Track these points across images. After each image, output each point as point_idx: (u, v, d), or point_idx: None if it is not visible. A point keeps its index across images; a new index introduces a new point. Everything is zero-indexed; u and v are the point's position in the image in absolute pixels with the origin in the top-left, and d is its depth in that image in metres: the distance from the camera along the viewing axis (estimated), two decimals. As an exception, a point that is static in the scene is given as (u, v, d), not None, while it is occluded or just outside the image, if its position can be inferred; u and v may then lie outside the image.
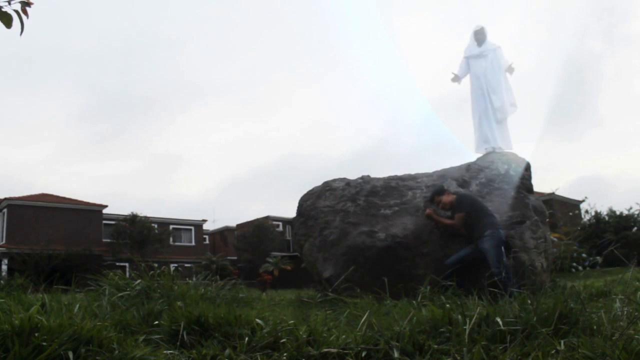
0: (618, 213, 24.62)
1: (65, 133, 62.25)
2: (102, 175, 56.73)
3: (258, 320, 3.07)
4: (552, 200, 27.76)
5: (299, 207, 6.74)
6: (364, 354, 2.54)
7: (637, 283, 5.52)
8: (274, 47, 78.25)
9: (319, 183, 6.89)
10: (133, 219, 30.48)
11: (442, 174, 6.49)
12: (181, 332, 2.93)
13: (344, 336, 2.75)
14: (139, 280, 4.37)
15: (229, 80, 75.96)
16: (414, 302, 3.90)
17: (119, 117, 66.66)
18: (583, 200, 28.20)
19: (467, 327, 2.71)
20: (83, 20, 72.04)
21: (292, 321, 3.09)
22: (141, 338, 2.79)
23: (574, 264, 16.00)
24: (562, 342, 2.49)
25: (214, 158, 71.89)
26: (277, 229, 35.75)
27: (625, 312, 2.98)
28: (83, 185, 57.27)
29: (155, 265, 4.82)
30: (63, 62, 68.59)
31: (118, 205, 62.62)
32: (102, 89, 63.61)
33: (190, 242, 36.78)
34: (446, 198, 5.58)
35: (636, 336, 2.37)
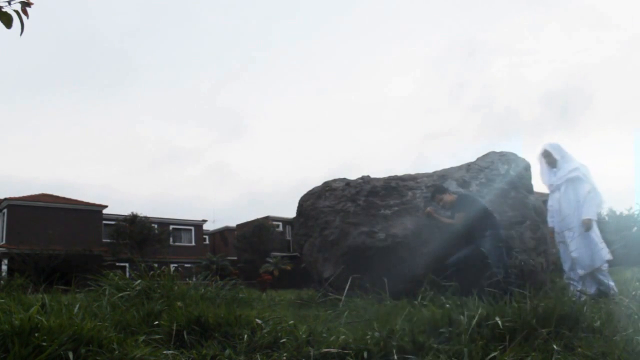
0: (618, 213, 24.65)
1: (62, 132, 62.31)
2: (101, 174, 56.81)
3: (258, 320, 3.07)
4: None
5: (299, 207, 6.74)
6: (364, 354, 2.55)
7: (637, 283, 5.52)
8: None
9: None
10: (133, 219, 30.45)
11: (443, 174, 6.48)
12: (181, 332, 2.93)
13: (343, 336, 2.75)
14: (139, 281, 4.37)
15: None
16: (414, 302, 3.90)
17: (112, 113, 66.58)
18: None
19: (468, 327, 2.71)
20: (77, 18, 72.04)
21: (292, 321, 3.09)
22: (141, 338, 2.78)
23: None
24: (561, 342, 2.49)
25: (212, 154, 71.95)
26: (277, 229, 35.71)
27: (625, 312, 2.98)
28: (83, 185, 57.35)
29: (155, 265, 4.82)
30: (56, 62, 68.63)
31: (118, 205, 62.69)
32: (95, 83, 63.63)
33: (190, 242, 36.76)
34: (447, 197, 5.58)
35: (636, 336, 2.37)
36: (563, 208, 5.42)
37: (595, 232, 5.26)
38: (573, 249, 5.28)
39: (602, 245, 5.21)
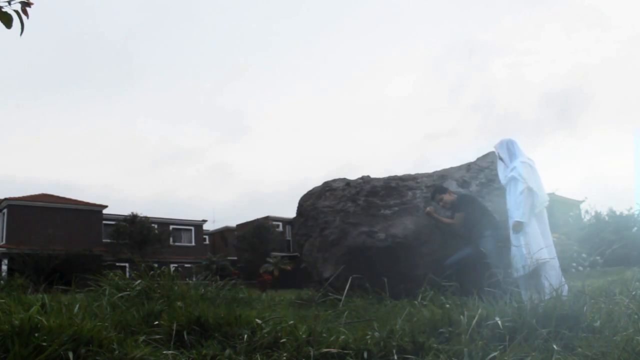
0: (618, 213, 24.65)
1: (62, 132, 62.31)
2: (101, 174, 56.80)
3: (258, 320, 3.07)
4: (552, 200, 27.74)
5: (299, 207, 6.74)
6: (364, 354, 2.55)
7: (637, 283, 5.51)
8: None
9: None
10: (133, 219, 30.44)
11: (442, 174, 6.48)
12: (181, 332, 2.93)
13: (343, 336, 2.75)
14: (139, 281, 4.37)
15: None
16: (414, 302, 3.91)
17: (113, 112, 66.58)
18: (583, 201, 28.23)
19: (468, 327, 2.71)
20: (81, 18, 72.05)
21: (292, 321, 3.09)
22: (141, 338, 2.78)
23: (574, 264, 15.99)
24: (561, 342, 2.49)
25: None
26: (277, 229, 35.71)
27: (625, 312, 2.98)
28: (83, 185, 57.35)
29: (155, 265, 4.82)
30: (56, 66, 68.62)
31: (118, 205, 62.67)
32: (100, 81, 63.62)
33: (190, 242, 36.75)
34: (448, 197, 5.58)
35: (636, 336, 2.37)
36: (507, 208, 5.20)
37: (527, 235, 4.93)
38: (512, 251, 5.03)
39: (528, 251, 4.73)
